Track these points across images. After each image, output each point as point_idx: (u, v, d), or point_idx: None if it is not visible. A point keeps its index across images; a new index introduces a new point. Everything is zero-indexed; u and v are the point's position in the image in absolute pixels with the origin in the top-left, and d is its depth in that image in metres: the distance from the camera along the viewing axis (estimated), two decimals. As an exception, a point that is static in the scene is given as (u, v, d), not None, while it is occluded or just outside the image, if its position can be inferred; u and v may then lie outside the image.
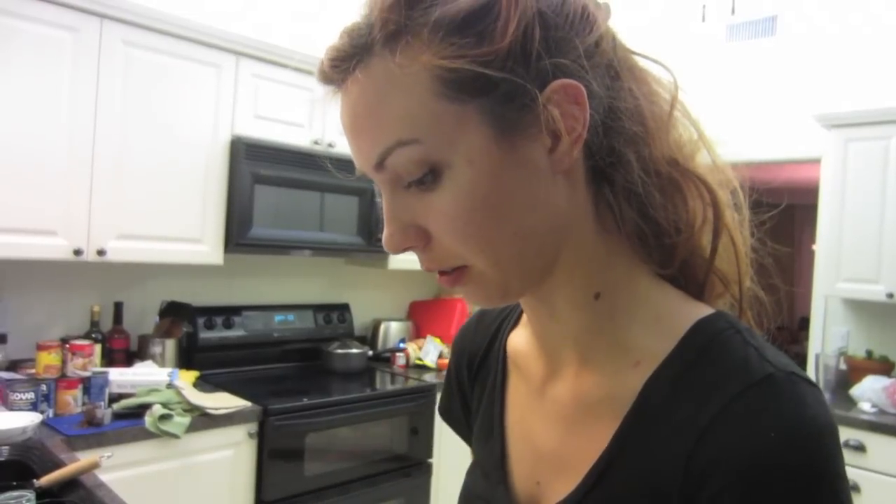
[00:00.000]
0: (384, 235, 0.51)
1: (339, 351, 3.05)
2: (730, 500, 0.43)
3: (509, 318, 0.69)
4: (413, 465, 2.86)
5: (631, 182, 0.51)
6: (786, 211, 0.61)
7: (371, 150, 0.49)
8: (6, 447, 1.69)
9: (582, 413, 0.55)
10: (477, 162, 0.47)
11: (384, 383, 3.03)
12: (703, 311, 0.53)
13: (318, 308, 3.22)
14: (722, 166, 0.56)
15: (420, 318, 3.69)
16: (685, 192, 0.53)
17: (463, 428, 0.75)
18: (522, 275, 0.52)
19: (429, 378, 3.04)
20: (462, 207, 0.48)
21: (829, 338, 3.41)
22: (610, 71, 0.51)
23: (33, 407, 2.01)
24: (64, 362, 2.21)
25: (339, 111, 0.51)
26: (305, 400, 2.49)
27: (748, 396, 0.45)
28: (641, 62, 0.54)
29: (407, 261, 3.23)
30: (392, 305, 3.73)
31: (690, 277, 0.56)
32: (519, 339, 0.65)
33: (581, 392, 0.55)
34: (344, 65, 0.49)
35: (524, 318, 0.66)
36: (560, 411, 0.57)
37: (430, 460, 2.92)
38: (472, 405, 0.71)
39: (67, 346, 2.23)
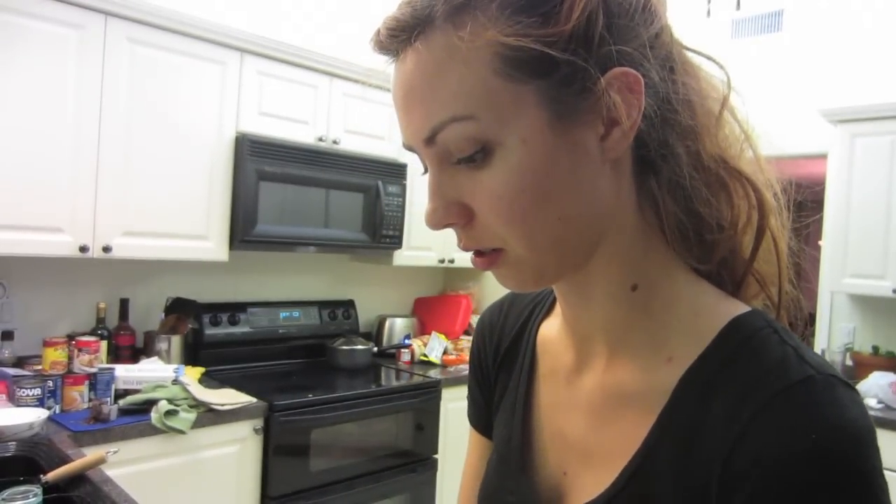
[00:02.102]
0: (426, 211, 0.51)
1: (344, 347, 3.05)
2: (766, 501, 0.42)
3: (541, 306, 0.68)
4: (418, 462, 2.86)
5: (678, 175, 0.51)
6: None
7: (423, 124, 0.48)
8: (13, 443, 1.70)
9: (612, 405, 0.55)
10: (530, 143, 0.47)
11: (389, 379, 3.03)
12: (740, 308, 0.52)
13: (323, 304, 3.23)
14: (766, 168, 0.55)
15: (425, 315, 3.69)
16: (731, 191, 0.53)
17: (476, 405, 0.73)
18: (560, 261, 0.51)
19: (434, 374, 3.04)
20: (510, 188, 0.47)
21: (835, 333, 3.40)
22: (667, 63, 0.51)
23: (40, 403, 2.02)
24: (70, 358, 2.21)
25: (392, 82, 0.51)
26: (311, 396, 2.49)
27: (788, 398, 0.44)
28: (694, 59, 0.54)
29: (412, 257, 3.23)
30: (397, 302, 3.73)
31: (727, 275, 0.55)
32: (550, 328, 0.65)
33: (611, 384, 0.55)
34: (403, 35, 0.48)
35: (557, 307, 0.65)
36: (589, 402, 0.57)
37: (435, 456, 2.93)
38: (494, 389, 0.70)
39: (74, 342, 2.25)
